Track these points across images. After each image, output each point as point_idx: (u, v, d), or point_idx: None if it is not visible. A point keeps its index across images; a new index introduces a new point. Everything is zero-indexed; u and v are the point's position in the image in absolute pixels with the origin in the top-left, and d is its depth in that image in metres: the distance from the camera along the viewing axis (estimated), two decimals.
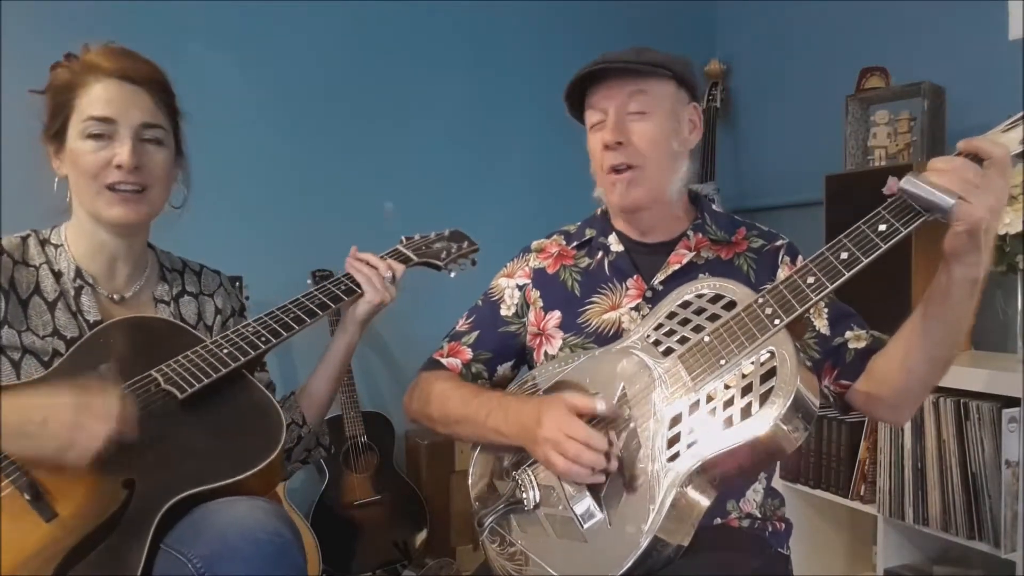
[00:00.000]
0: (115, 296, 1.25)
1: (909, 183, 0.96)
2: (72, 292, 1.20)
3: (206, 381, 1.12)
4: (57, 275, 1.21)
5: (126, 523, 0.98)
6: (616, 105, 1.23)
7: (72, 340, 1.16)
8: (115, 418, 1.00)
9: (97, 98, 1.17)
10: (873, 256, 0.98)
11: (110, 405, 1.01)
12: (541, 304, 1.33)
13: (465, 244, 1.52)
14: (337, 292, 1.31)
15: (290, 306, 1.26)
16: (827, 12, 2.77)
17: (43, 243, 1.23)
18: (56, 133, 1.20)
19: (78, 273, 1.22)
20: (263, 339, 1.20)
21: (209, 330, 1.32)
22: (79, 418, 0.99)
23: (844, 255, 1.00)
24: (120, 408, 1.01)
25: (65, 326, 1.18)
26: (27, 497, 0.98)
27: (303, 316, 1.25)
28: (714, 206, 1.36)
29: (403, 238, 1.48)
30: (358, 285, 1.33)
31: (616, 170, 1.24)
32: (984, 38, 2.28)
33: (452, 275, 1.50)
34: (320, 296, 1.29)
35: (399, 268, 1.37)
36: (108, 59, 1.19)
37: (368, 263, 1.35)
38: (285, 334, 1.22)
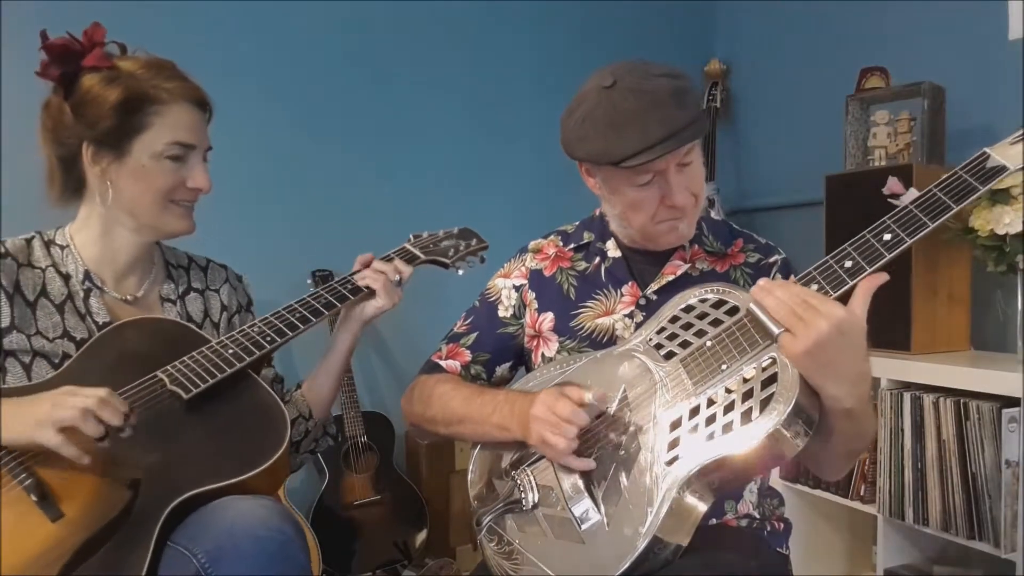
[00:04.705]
0: (127, 297, 1.26)
1: (753, 305, 1.01)
2: (81, 294, 1.21)
3: (211, 381, 1.13)
4: (65, 277, 1.21)
5: (131, 523, 0.99)
6: (674, 164, 1.17)
7: (81, 342, 1.17)
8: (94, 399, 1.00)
9: (179, 123, 1.20)
10: (878, 265, 0.99)
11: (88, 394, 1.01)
12: (536, 306, 1.33)
13: (474, 242, 1.51)
14: (344, 292, 1.32)
15: (296, 306, 1.27)
16: (827, 12, 2.77)
17: (48, 244, 1.23)
18: (114, 143, 1.18)
19: (87, 276, 1.22)
20: (268, 339, 1.21)
21: (216, 326, 1.33)
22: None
23: (848, 263, 1.01)
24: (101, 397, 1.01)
25: (74, 328, 1.19)
26: (34, 497, 0.99)
27: (308, 316, 1.26)
28: (715, 208, 1.35)
29: (411, 236, 1.48)
30: (365, 287, 1.33)
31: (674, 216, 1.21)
32: (984, 38, 2.27)
33: (460, 273, 1.49)
34: (326, 296, 1.30)
35: (406, 271, 1.38)
36: (182, 82, 1.21)
37: (379, 271, 1.34)
38: (290, 333, 1.23)
